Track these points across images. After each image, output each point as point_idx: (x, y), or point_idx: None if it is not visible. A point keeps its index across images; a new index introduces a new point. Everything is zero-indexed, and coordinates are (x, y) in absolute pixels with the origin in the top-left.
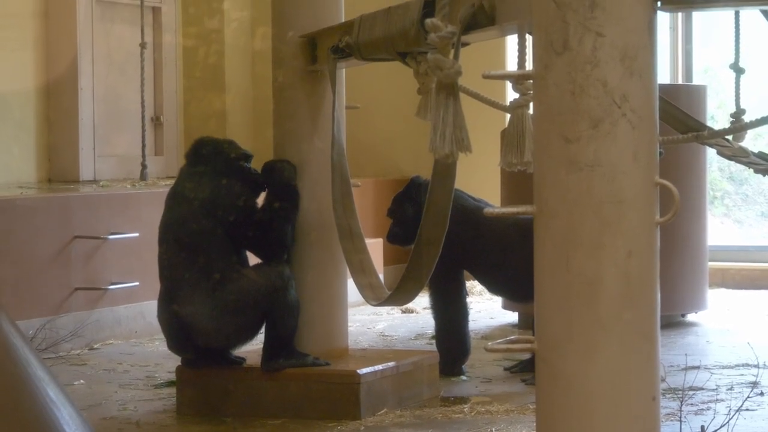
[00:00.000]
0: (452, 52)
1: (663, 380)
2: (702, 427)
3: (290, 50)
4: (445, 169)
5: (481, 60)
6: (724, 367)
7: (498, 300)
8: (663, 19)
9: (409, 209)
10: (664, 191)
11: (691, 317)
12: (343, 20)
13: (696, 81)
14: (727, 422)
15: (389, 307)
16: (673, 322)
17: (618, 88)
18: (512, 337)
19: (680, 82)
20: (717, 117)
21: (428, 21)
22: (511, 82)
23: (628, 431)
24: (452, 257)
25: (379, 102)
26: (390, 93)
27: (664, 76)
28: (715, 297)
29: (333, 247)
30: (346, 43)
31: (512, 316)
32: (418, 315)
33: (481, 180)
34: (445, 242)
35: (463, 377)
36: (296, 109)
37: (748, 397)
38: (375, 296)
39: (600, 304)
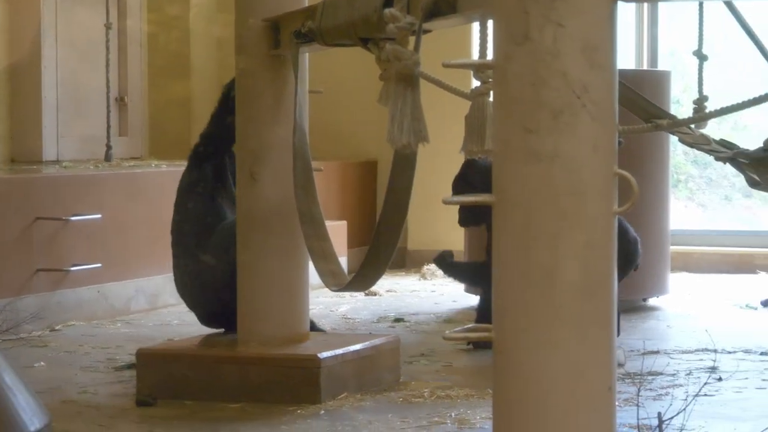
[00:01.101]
0: (413, 40)
1: (623, 365)
2: (659, 413)
3: (252, 35)
4: (405, 158)
5: (447, 45)
6: (683, 352)
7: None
8: (631, 3)
9: (469, 192)
10: (623, 179)
11: (652, 302)
12: (306, 5)
13: (662, 64)
14: (684, 408)
15: None
16: (635, 306)
17: (579, 80)
18: (470, 325)
19: (645, 66)
20: (682, 100)
21: (386, 11)
22: (472, 70)
23: (583, 421)
24: None
25: (345, 85)
26: (356, 76)
27: (629, 60)
28: (677, 281)
29: (294, 234)
30: (309, 28)
31: (475, 300)
32: (381, 297)
33: (444, 166)
34: None
35: (424, 361)
36: (259, 95)
37: (706, 382)
38: (336, 282)
39: (558, 294)
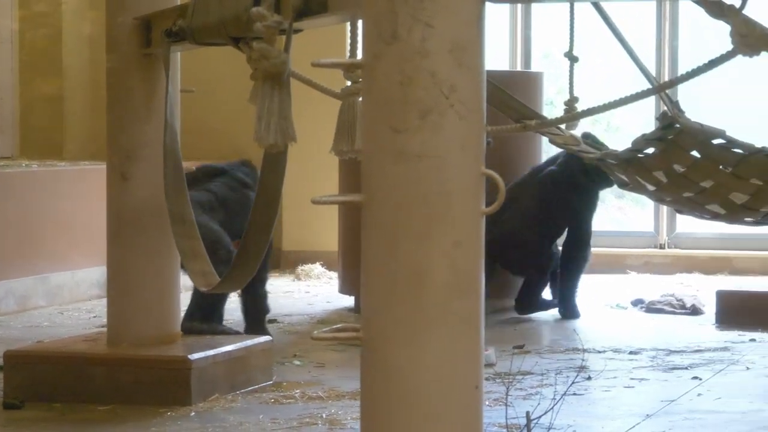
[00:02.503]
0: (284, 40)
1: (493, 365)
2: (527, 412)
3: (123, 34)
4: (274, 158)
5: (322, 45)
6: (553, 352)
7: (335, 283)
8: (503, 5)
9: None
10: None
11: None
12: (177, 3)
13: (536, 66)
14: (553, 407)
15: None
16: (507, 307)
17: (447, 80)
18: (339, 325)
19: (519, 68)
20: (556, 102)
21: (253, 10)
22: (342, 70)
23: (450, 420)
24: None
25: (218, 84)
26: (228, 75)
27: (502, 62)
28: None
29: (165, 233)
30: (180, 27)
31: (349, 300)
32: None
33: (320, 166)
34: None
35: (296, 362)
36: (129, 94)
37: (574, 381)
38: (206, 282)
39: (427, 293)
